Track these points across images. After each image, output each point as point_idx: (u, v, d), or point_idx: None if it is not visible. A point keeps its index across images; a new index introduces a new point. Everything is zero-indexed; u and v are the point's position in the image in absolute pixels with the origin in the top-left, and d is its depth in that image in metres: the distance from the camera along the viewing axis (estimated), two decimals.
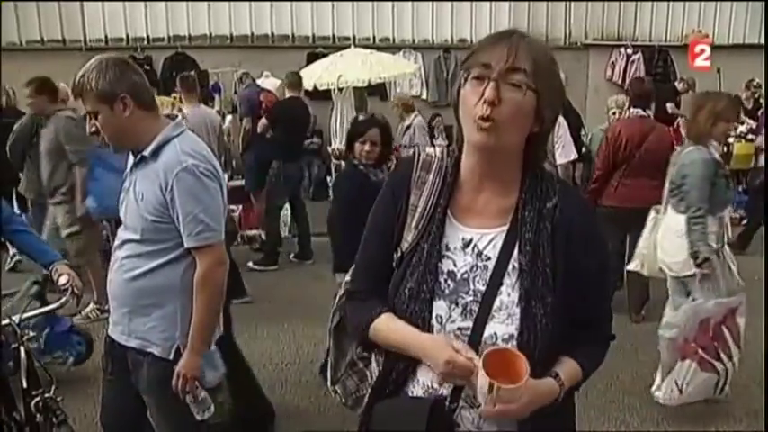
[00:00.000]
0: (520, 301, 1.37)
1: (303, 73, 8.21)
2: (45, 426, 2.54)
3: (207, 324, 2.31)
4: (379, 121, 3.77)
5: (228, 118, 8.56)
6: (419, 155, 1.50)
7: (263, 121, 6.75)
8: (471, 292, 1.40)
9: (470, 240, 1.43)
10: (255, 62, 9.39)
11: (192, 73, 8.17)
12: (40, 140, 5.18)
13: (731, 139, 7.21)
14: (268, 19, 10.12)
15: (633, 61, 10.67)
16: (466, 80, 1.35)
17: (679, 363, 3.63)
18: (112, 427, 2.59)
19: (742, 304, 3.67)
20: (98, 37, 9.78)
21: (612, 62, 10.78)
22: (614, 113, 5.78)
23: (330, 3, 10.17)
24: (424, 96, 10.61)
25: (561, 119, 5.01)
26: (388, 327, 1.45)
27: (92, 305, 5.13)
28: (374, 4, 10.27)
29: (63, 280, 2.63)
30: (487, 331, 1.37)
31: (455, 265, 1.42)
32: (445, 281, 1.41)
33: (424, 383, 1.44)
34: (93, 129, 2.25)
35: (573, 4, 10.70)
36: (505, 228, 1.42)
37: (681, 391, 3.64)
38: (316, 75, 7.88)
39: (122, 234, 2.36)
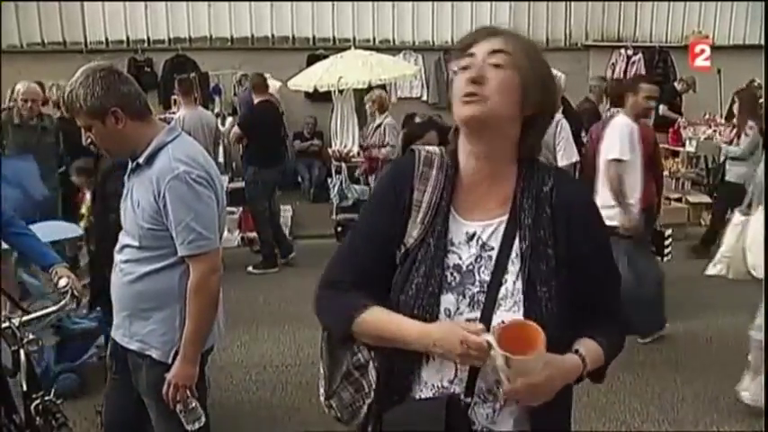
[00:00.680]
0: (524, 287, 1.38)
1: (303, 74, 8.22)
2: (45, 428, 2.54)
3: (200, 332, 2.29)
4: (437, 123, 3.73)
5: (229, 120, 8.56)
6: (419, 151, 1.51)
7: (236, 129, 6.70)
8: (477, 283, 1.40)
9: (474, 233, 1.43)
10: (256, 64, 9.38)
11: (192, 75, 8.19)
12: None
13: None
14: (268, 21, 10.12)
15: (633, 62, 10.67)
16: (455, 73, 1.40)
17: None
18: (115, 425, 2.62)
19: None
20: (99, 39, 9.78)
21: (613, 63, 10.78)
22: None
23: (330, 4, 10.17)
24: (425, 98, 10.61)
25: (563, 121, 5.01)
26: (380, 320, 1.42)
27: None
28: (374, 6, 10.28)
29: (63, 282, 2.64)
30: (495, 320, 1.36)
31: (460, 259, 1.43)
32: (451, 274, 1.42)
33: (433, 385, 1.43)
34: (89, 140, 2.27)
35: (573, 4, 10.70)
36: (505, 217, 1.43)
37: None
38: (316, 76, 7.88)
39: (122, 239, 2.37)
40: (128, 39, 9.88)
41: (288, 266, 6.74)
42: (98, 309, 4.04)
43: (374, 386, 1.51)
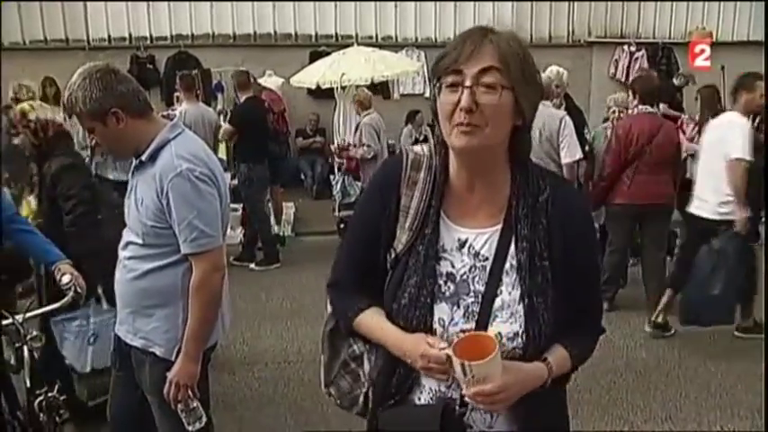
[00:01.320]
0: (522, 298, 1.37)
1: (306, 71, 8.21)
2: (48, 425, 2.54)
3: (202, 330, 2.29)
4: None
5: None
6: (407, 154, 1.48)
7: (227, 126, 6.70)
8: (472, 294, 1.39)
9: (465, 240, 1.42)
10: (258, 61, 9.38)
11: (195, 72, 8.19)
12: None
13: None
14: (271, 17, 10.11)
15: (637, 58, 10.63)
16: (440, 88, 1.33)
17: None
18: (119, 421, 2.62)
19: None
20: (101, 36, 9.77)
21: (616, 60, 10.74)
22: (614, 112, 5.77)
23: (333, 1, 10.15)
24: (427, 94, 10.58)
25: (567, 118, 5.01)
26: (371, 324, 1.47)
27: None
28: (377, 3, 10.25)
29: (65, 279, 2.64)
30: (491, 332, 1.36)
31: (453, 267, 1.41)
32: (445, 283, 1.41)
33: (431, 389, 1.44)
34: (94, 142, 2.29)
35: (576, 1, 10.67)
36: (499, 226, 1.41)
37: None
38: (319, 73, 7.86)
39: (126, 235, 2.37)
40: (130, 36, 9.87)
41: (290, 263, 6.74)
42: None
43: (368, 377, 1.54)
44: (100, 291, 2.98)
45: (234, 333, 4.46)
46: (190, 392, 2.29)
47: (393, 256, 1.45)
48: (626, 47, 10.69)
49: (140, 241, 2.29)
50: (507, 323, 1.37)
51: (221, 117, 7.85)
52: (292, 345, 4.78)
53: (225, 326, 2.52)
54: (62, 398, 2.58)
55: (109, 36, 9.82)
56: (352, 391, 1.58)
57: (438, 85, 1.34)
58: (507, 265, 1.39)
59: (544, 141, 4.87)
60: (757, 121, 5.30)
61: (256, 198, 6.68)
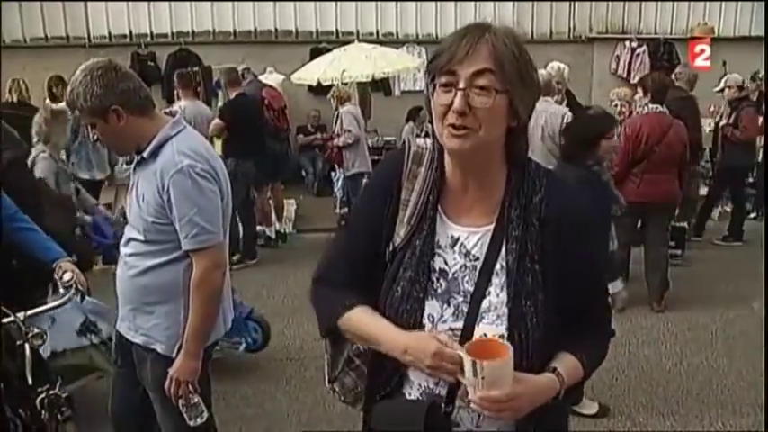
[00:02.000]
0: (508, 301, 1.35)
1: (307, 68, 8.20)
2: (51, 422, 2.54)
3: (202, 327, 2.30)
4: (613, 116, 3.60)
5: None
6: (410, 147, 1.47)
7: (217, 121, 6.68)
8: (462, 293, 1.38)
9: (458, 239, 1.41)
10: (259, 58, 9.37)
11: (195, 69, 8.16)
12: None
13: None
14: (271, 14, 10.09)
15: (638, 54, 10.59)
16: (434, 87, 1.31)
17: None
18: (121, 417, 2.64)
19: None
20: (102, 33, 9.76)
21: (617, 55, 10.71)
22: (616, 106, 5.76)
23: None
24: (426, 91, 10.55)
25: (569, 114, 5.00)
26: (361, 320, 1.44)
27: None
28: (377, 0, 10.24)
29: (67, 277, 2.64)
30: (477, 333, 1.35)
31: (446, 264, 1.40)
32: (437, 279, 1.40)
33: (420, 385, 1.43)
34: (96, 137, 2.29)
35: None
36: (491, 226, 1.39)
37: None
38: (319, 70, 7.86)
39: (128, 232, 2.37)
40: (131, 33, 9.86)
41: (292, 260, 6.73)
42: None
43: (367, 380, 1.54)
44: (56, 276, 2.97)
45: None
46: (190, 388, 2.29)
47: (392, 249, 1.44)
48: (627, 43, 10.66)
49: (141, 238, 2.29)
50: (493, 325, 1.35)
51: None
52: (294, 342, 4.77)
53: (226, 323, 2.52)
54: (64, 395, 2.58)
55: (110, 33, 9.81)
56: (357, 387, 1.58)
57: (432, 83, 1.32)
58: (497, 267, 1.37)
59: (546, 138, 4.87)
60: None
61: (240, 193, 6.68)
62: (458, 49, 1.28)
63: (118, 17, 9.75)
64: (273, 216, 7.42)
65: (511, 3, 10.28)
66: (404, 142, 1.52)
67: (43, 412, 2.52)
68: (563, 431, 1.55)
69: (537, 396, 1.33)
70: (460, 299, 1.38)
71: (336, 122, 7.29)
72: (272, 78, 8.72)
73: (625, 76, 10.50)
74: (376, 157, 7.17)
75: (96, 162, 6.37)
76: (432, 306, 1.39)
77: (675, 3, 10.79)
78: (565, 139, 3.82)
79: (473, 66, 1.26)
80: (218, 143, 6.68)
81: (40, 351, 2.92)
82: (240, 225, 6.63)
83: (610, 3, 10.73)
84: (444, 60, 1.29)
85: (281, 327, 4.99)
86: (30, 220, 2.88)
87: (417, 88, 10.43)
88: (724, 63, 9.48)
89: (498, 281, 1.37)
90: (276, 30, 10.14)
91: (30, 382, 2.52)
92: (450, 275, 1.40)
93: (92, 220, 4.38)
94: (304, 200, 8.88)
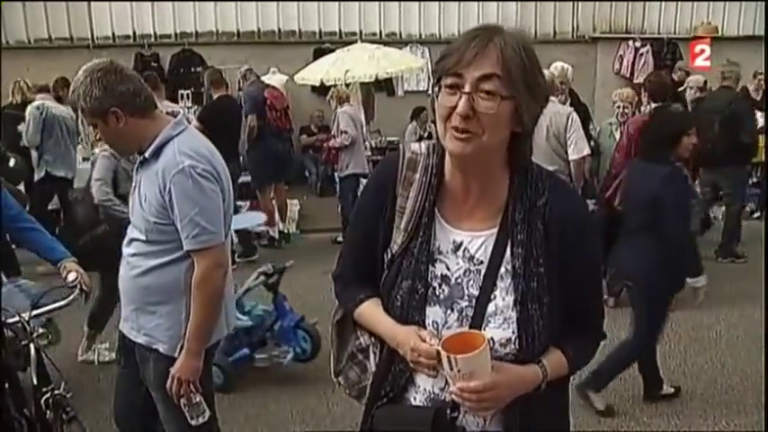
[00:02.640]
0: (515, 304, 1.35)
1: (310, 68, 8.21)
2: (55, 422, 2.55)
3: (204, 327, 2.30)
4: (690, 114, 3.61)
5: None
6: (404, 153, 1.46)
7: (195, 123, 6.67)
8: (466, 298, 1.38)
9: (461, 243, 1.40)
10: (262, 58, 9.38)
11: (198, 69, 8.14)
12: None
13: None
14: (275, 15, 10.10)
15: (642, 54, 10.58)
16: (439, 88, 1.31)
17: None
18: (125, 417, 2.64)
19: None
20: (105, 34, 9.78)
21: (621, 55, 10.70)
22: (619, 107, 5.75)
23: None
24: (431, 91, 10.55)
25: (574, 114, 4.99)
26: (370, 315, 1.49)
27: None
28: (381, 0, 10.24)
29: (71, 277, 2.65)
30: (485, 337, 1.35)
31: (448, 269, 1.40)
32: (440, 285, 1.40)
33: (425, 390, 1.43)
34: (98, 136, 2.32)
35: None
36: (495, 230, 1.39)
37: None
38: (323, 70, 7.87)
39: (130, 232, 2.38)
40: (134, 34, 9.88)
41: (295, 260, 6.72)
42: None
43: (374, 370, 1.55)
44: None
45: None
46: (192, 387, 2.30)
47: (389, 256, 1.44)
48: (631, 42, 10.65)
49: (143, 238, 2.30)
50: (500, 329, 1.35)
51: None
52: None
53: (229, 323, 2.53)
54: (68, 395, 2.59)
55: (113, 34, 9.83)
56: (360, 381, 1.59)
57: (438, 84, 1.31)
58: (502, 270, 1.37)
59: (551, 138, 4.86)
60: None
61: None
62: (466, 51, 1.26)
63: (121, 18, 9.77)
64: (277, 216, 7.42)
65: (514, 3, 10.28)
66: (398, 147, 1.54)
67: (48, 412, 2.53)
68: (564, 431, 1.55)
69: (518, 385, 1.34)
70: (465, 303, 1.38)
71: (333, 121, 7.31)
72: (275, 79, 8.73)
73: (628, 75, 10.48)
74: (379, 157, 7.17)
75: (68, 160, 6.56)
76: (435, 312, 1.39)
77: (679, 2, 10.77)
78: (645, 138, 3.86)
79: (480, 70, 1.25)
80: None
81: None
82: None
83: (613, 2, 10.72)
84: (452, 62, 1.28)
85: None
86: (34, 220, 2.89)
87: (420, 88, 10.43)
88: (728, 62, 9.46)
89: (504, 284, 1.36)
90: (279, 30, 10.16)
91: (35, 382, 2.53)
92: (453, 281, 1.39)
93: None
94: (307, 200, 8.88)
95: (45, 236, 2.85)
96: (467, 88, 1.26)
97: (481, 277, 1.37)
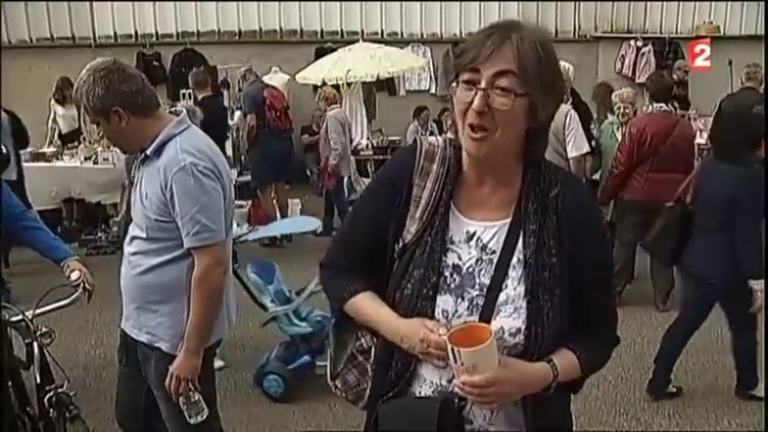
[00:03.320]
0: (526, 294, 1.35)
1: (312, 68, 8.22)
2: (58, 420, 2.56)
3: (203, 325, 2.30)
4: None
5: (237, 114, 8.57)
6: (421, 144, 1.47)
7: None
8: (477, 287, 1.38)
9: (474, 233, 1.41)
10: (264, 57, 9.40)
11: (202, 68, 8.12)
12: None
13: None
14: (276, 14, 10.11)
15: (643, 54, 10.58)
16: (457, 84, 1.32)
17: None
18: (127, 415, 2.65)
19: None
20: (107, 33, 9.81)
21: (622, 55, 10.70)
22: (619, 108, 5.75)
23: None
24: (433, 90, 10.57)
25: (573, 112, 4.99)
26: (366, 306, 1.47)
27: None
28: None
29: (75, 276, 2.65)
30: (494, 326, 1.34)
31: (460, 259, 1.41)
32: (451, 275, 1.40)
33: (432, 382, 1.43)
34: (101, 134, 2.33)
35: None
36: (508, 220, 1.40)
37: None
38: (324, 70, 7.88)
39: (132, 230, 2.38)
40: (136, 33, 9.90)
41: (296, 260, 6.74)
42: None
43: (374, 378, 1.53)
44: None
45: (240, 329, 4.47)
46: (191, 386, 2.30)
47: (401, 245, 1.44)
48: (632, 42, 10.65)
49: (144, 235, 2.30)
50: (510, 318, 1.35)
51: (228, 113, 7.86)
52: None
53: (231, 321, 2.54)
54: (72, 393, 2.60)
55: (115, 33, 9.86)
56: (359, 384, 1.58)
57: (456, 80, 1.33)
58: (514, 260, 1.38)
59: (550, 136, 4.84)
60: None
61: None
62: (483, 47, 1.28)
63: (123, 17, 9.79)
64: (278, 216, 7.43)
65: (516, 2, 10.27)
66: (414, 140, 1.52)
67: (51, 410, 2.53)
68: (566, 430, 1.54)
69: (525, 383, 1.34)
70: (476, 293, 1.38)
71: (323, 125, 7.33)
72: (276, 78, 8.75)
73: (630, 75, 10.48)
74: (381, 157, 7.18)
75: None
76: (445, 301, 1.39)
77: (681, 2, 10.77)
78: (723, 139, 3.82)
79: (495, 66, 1.27)
80: (227, 143, 6.70)
81: None
82: None
83: (615, 2, 10.72)
84: (469, 58, 1.30)
85: None
86: (37, 219, 2.89)
87: (422, 88, 10.45)
88: (730, 62, 9.44)
89: (515, 274, 1.37)
90: (281, 29, 10.17)
91: (38, 380, 2.53)
92: (465, 270, 1.40)
93: None
94: (309, 199, 8.88)
95: (48, 235, 2.85)
96: (482, 84, 1.27)
97: (493, 267, 1.38)
